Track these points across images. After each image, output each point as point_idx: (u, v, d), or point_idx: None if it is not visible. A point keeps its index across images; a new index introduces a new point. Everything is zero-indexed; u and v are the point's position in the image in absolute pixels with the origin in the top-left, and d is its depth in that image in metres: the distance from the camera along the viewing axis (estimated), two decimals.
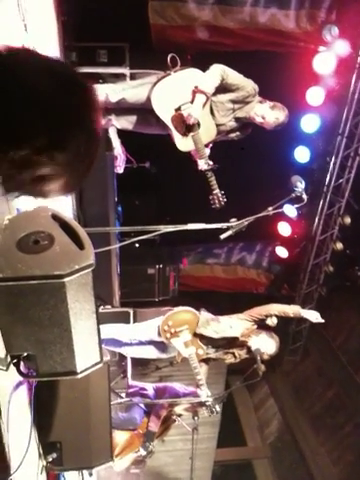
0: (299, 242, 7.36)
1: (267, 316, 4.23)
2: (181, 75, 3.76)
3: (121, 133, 4.93)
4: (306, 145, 6.59)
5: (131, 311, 5.57)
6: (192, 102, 3.74)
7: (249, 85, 3.83)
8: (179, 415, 4.41)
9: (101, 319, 1.81)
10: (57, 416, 2.65)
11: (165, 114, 3.76)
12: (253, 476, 9.02)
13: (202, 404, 4.07)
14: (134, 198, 7.25)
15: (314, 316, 4.18)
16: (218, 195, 3.71)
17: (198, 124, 3.75)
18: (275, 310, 4.26)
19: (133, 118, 3.97)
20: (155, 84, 3.74)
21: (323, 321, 4.20)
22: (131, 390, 4.57)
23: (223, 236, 3.33)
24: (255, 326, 4.26)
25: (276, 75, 5.14)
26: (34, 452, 2.60)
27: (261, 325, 4.27)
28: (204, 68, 3.81)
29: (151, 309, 5.50)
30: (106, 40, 5.27)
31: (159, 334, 4.32)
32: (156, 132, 4.05)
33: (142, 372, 6.45)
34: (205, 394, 4.03)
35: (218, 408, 4.02)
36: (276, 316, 4.24)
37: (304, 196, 3.45)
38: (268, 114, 3.90)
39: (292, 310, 4.26)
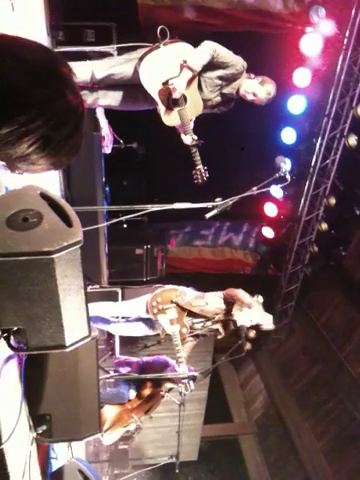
0: (285, 223, 7.44)
1: (233, 299, 4.23)
2: (171, 49, 3.66)
3: (108, 113, 4.92)
4: (293, 126, 6.63)
5: (119, 290, 5.63)
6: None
7: (239, 63, 3.80)
8: (169, 389, 4.51)
9: (90, 298, 1.85)
10: (47, 389, 2.71)
11: (153, 87, 3.68)
12: (239, 451, 9.23)
13: (179, 380, 4.17)
14: (122, 178, 7.26)
15: (269, 325, 4.26)
16: (201, 170, 3.71)
17: (184, 99, 3.70)
18: (240, 295, 4.24)
19: (120, 94, 3.89)
20: (143, 57, 3.64)
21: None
22: (117, 360, 4.68)
23: (208, 215, 3.37)
24: (225, 306, 4.32)
25: (263, 56, 5.13)
26: (24, 424, 2.67)
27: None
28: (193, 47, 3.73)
29: (140, 288, 5.54)
30: (93, 19, 5.23)
31: (147, 310, 4.40)
32: (143, 108, 3.99)
33: (130, 350, 6.53)
34: (182, 371, 4.12)
35: (192, 386, 4.11)
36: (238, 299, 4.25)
37: (287, 177, 3.49)
38: (259, 90, 3.88)
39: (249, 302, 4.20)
